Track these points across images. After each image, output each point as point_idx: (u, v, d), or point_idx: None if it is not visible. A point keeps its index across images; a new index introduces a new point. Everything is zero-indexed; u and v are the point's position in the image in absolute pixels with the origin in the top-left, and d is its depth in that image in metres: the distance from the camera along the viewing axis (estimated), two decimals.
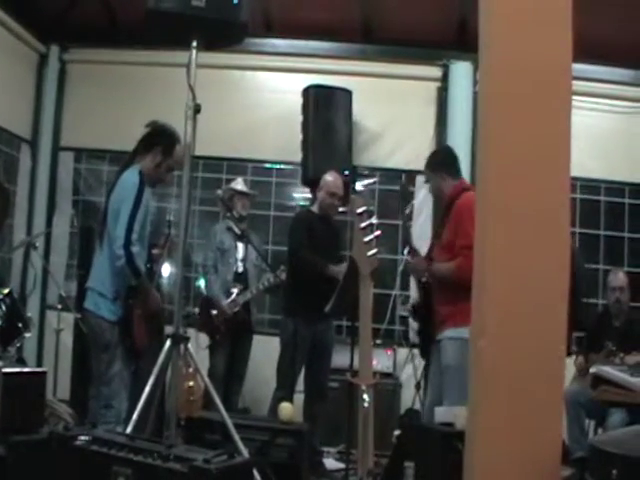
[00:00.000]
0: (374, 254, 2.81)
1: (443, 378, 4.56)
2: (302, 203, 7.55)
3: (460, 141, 7.10)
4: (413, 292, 5.88)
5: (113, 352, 4.22)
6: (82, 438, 2.82)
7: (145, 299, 4.34)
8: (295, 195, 7.78)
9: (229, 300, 5.99)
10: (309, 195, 7.13)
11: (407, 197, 5.27)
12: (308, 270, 5.66)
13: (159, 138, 4.44)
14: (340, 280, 5.28)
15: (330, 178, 5.96)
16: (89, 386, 4.55)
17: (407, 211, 5.32)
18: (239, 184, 6.34)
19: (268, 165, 7.71)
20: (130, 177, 4.29)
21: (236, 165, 7.68)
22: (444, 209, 4.86)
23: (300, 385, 5.79)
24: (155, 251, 4.80)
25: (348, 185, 6.11)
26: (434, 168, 4.86)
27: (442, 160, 4.92)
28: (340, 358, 5.79)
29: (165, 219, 4.68)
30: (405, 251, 5.36)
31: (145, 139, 4.46)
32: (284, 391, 5.52)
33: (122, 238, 4.13)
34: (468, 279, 4.44)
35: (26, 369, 4.07)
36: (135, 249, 4.16)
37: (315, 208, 6.04)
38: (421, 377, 6.35)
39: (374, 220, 2.84)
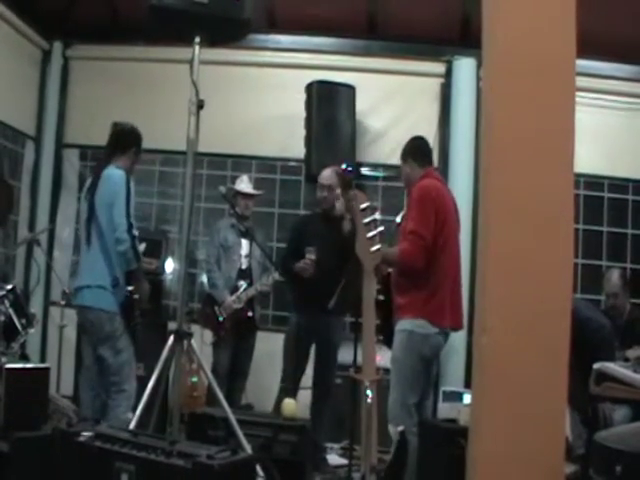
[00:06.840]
0: (377, 250, 2.81)
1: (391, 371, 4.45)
2: None
3: (463, 137, 7.10)
4: None
5: (119, 340, 4.41)
6: (85, 434, 2.83)
7: (139, 284, 4.57)
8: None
9: (233, 296, 5.98)
10: None
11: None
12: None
13: (132, 140, 4.75)
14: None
15: (322, 172, 5.86)
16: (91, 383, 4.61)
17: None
18: (243, 182, 6.25)
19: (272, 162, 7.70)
20: (115, 173, 4.53)
21: (240, 162, 7.67)
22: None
23: (306, 382, 5.77)
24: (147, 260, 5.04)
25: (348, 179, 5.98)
26: (402, 156, 4.79)
27: (409, 149, 4.81)
28: (343, 354, 5.76)
29: (165, 217, 4.83)
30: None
31: (119, 141, 4.72)
32: (288, 384, 5.51)
33: (124, 224, 4.35)
34: (411, 265, 4.41)
35: (29, 365, 4.09)
36: (135, 233, 4.40)
37: (319, 208, 5.91)
38: None
39: (377, 216, 2.84)
